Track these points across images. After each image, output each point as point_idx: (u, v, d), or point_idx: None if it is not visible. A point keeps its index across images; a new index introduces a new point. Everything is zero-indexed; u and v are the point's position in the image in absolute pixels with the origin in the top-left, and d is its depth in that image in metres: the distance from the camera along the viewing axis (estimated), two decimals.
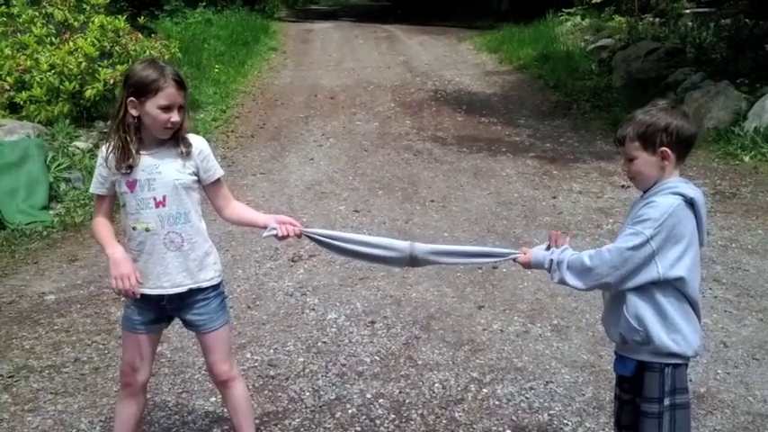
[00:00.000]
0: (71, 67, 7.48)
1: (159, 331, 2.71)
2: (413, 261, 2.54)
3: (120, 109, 2.44)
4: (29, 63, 7.53)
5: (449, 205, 6.13)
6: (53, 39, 7.96)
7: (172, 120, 2.42)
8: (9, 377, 3.56)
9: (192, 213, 2.53)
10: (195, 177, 2.54)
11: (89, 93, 7.49)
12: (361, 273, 4.79)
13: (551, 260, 2.27)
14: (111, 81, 7.62)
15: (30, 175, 6.06)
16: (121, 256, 2.46)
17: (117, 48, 8.22)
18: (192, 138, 2.56)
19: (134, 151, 2.43)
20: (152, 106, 2.40)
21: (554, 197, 6.26)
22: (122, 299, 2.68)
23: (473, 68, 12.37)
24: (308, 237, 2.67)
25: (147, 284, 2.50)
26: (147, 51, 8.51)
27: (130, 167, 2.44)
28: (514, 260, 2.46)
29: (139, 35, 8.97)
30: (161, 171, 2.47)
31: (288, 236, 2.62)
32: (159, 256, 2.50)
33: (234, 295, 4.46)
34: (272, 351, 3.82)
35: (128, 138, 2.43)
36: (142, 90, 2.39)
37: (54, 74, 7.44)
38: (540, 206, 6.05)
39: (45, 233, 5.62)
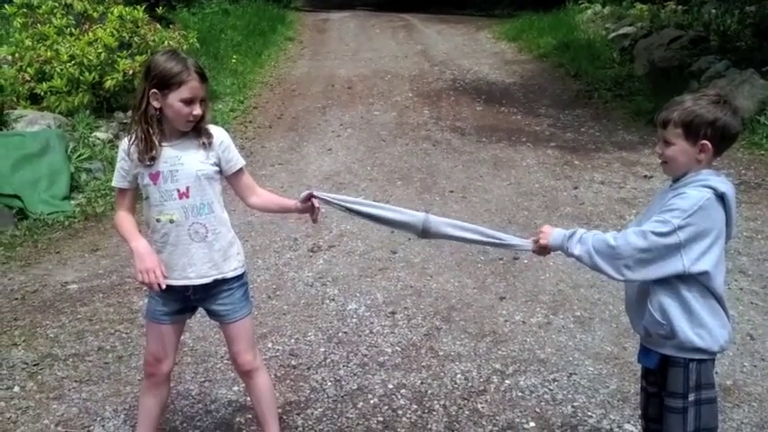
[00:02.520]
0: (91, 57, 7.51)
1: (183, 321, 2.72)
2: (425, 233, 2.52)
3: (142, 101, 2.43)
4: (49, 54, 7.57)
5: (468, 196, 6.08)
6: (73, 30, 7.99)
7: (194, 113, 2.42)
8: (34, 365, 3.59)
9: (216, 204, 2.53)
10: (217, 168, 2.54)
11: (108, 83, 7.52)
12: (381, 263, 4.78)
13: (574, 232, 2.22)
14: (131, 72, 7.64)
15: (51, 165, 6.10)
16: (146, 249, 2.45)
17: (136, 38, 8.24)
18: (212, 128, 2.55)
19: (157, 143, 2.43)
20: (175, 99, 2.39)
21: (575, 187, 6.20)
22: (145, 289, 2.68)
23: (492, 57, 12.26)
24: (321, 199, 2.62)
25: (173, 275, 2.50)
26: (166, 42, 8.51)
27: (153, 159, 2.43)
28: (533, 251, 2.38)
29: (158, 26, 8.98)
30: (183, 162, 2.47)
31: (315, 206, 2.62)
32: (184, 248, 2.49)
33: (254, 285, 4.46)
34: (293, 341, 3.82)
35: (150, 129, 2.42)
36: (165, 83, 2.38)
37: (74, 65, 7.47)
38: (562, 196, 5.99)
39: (67, 223, 5.66)
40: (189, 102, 2.40)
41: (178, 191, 2.46)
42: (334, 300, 4.29)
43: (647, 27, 11.35)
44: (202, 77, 2.44)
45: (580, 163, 6.90)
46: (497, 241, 2.49)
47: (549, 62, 11.44)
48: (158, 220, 2.49)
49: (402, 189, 6.29)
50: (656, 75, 9.18)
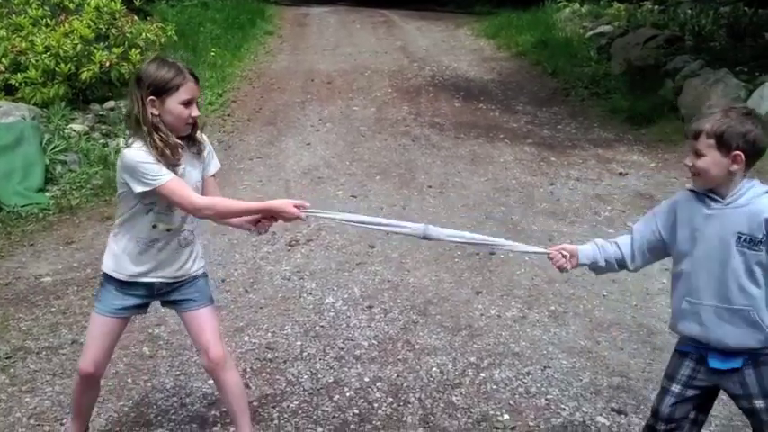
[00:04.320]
0: (66, 49, 7.42)
1: (130, 319, 2.76)
2: (426, 237, 2.60)
3: (140, 111, 2.41)
4: (24, 45, 7.47)
5: (446, 191, 6.12)
6: (48, 20, 7.89)
7: (193, 114, 2.45)
8: (6, 358, 3.55)
9: None
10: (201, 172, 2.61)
11: (85, 75, 7.44)
12: (359, 258, 4.79)
13: None
14: (107, 63, 7.58)
15: (25, 157, 6.03)
16: (273, 202, 2.58)
17: (113, 30, 8.15)
18: (198, 136, 2.59)
19: (166, 146, 2.40)
20: (174, 103, 2.41)
21: (552, 184, 6.25)
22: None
23: (471, 54, 12.30)
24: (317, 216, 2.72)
25: (147, 274, 2.55)
26: (144, 34, 8.45)
27: (176, 160, 2.45)
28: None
29: (135, 18, 8.90)
30: (186, 174, 2.51)
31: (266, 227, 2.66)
32: (171, 252, 2.56)
33: (231, 279, 4.45)
34: (269, 334, 3.82)
35: (162, 133, 2.41)
36: (163, 88, 2.39)
37: (49, 56, 7.38)
38: (538, 193, 6.05)
39: (41, 215, 5.60)
40: (187, 103, 2.43)
41: None
42: (311, 293, 4.30)
43: (624, 26, 11.47)
44: (196, 78, 2.48)
45: (556, 160, 6.96)
46: (509, 246, 2.65)
47: (528, 60, 11.50)
48: (154, 227, 2.51)
49: (380, 184, 6.31)
50: (632, 73, 9.28)
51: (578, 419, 3.09)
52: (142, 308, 2.70)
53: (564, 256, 2.46)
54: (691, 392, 2.34)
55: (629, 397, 3.24)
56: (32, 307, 4.14)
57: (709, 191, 2.22)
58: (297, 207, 2.54)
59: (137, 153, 2.41)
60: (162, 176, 2.39)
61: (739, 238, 2.15)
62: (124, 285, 2.56)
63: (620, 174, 6.46)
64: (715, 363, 2.28)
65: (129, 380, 3.40)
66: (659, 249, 2.37)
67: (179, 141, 2.45)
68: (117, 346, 3.60)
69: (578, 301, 4.14)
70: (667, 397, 2.38)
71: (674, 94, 8.08)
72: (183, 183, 2.46)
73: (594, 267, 2.47)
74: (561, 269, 2.50)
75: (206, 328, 2.64)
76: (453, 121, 8.37)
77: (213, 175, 2.67)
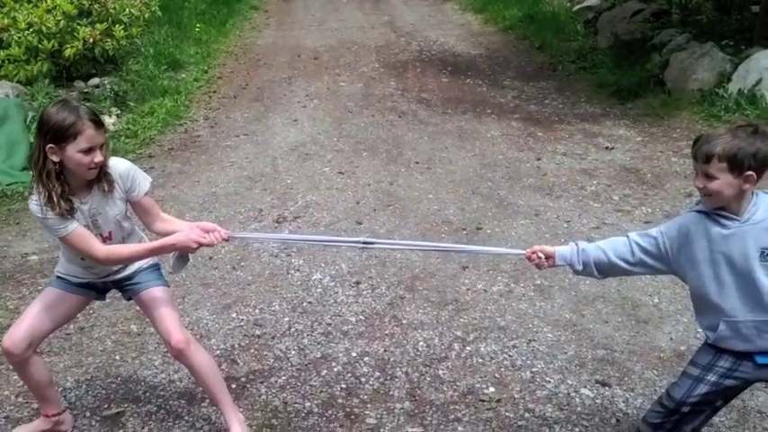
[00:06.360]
0: (49, 25, 7.33)
1: (81, 303, 2.76)
2: (366, 245, 2.69)
3: (39, 158, 2.38)
4: (6, 22, 7.37)
5: (433, 167, 6.12)
6: None
7: (95, 160, 2.39)
8: None
9: (132, 229, 2.68)
10: (126, 200, 2.61)
11: (68, 52, 7.36)
12: (346, 234, 4.79)
13: None
14: (91, 40, 7.49)
15: (9, 135, 5.98)
16: (176, 236, 2.53)
17: (96, 6, 8.04)
18: (112, 165, 2.53)
19: (58, 198, 2.37)
20: (73, 150, 2.35)
21: (538, 159, 6.27)
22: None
23: (458, 29, 12.23)
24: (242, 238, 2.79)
25: (86, 276, 2.66)
26: (127, 9, 8.34)
27: (68, 211, 2.41)
28: None
29: None
30: (101, 212, 2.52)
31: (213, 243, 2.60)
32: (106, 270, 2.64)
33: (218, 256, 4.45)
34: (257, 311, 3.84)
35: (51, 185, 2.37)
36: (61, 136, 2.33)
37: (32, 32, 7.29)
38: (525, 168, 6.06)
39: (26, 194, 5.55)
40: (88, 151, 2.36)
41: (101, 236, 2.54)
42: (299, 270, 4.31)
43: (611, 0, 11.42)
44: (98, 124, 2.40)
45: (543, 134, 6.97)
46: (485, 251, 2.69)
47: (515, 34, 11.46)
48: (83, 259, 2.57)
49: (368, 160, 6.30)
50: (618, 47, 9.26)
51: (563, 392, 3.14)
52: (99, 294, 2.78)
53: (540, 258, 2.51)
54: (729, 383, 2.35)
55: (614, 369, 3.29)
56: (19, 285, 4.14)
57: (720, 209, 2.22)
58: (208, 231, 2.55)
59: (35, 208, 2.41)
60: (63, 228, 2.42)
61: (763, 252, 2.17)
62: (76, 284, 2.67)
63: (607, 148, 6.48)
64: (763, 359, 2.31)
65: (117, 357, 3.42)
66: (660, 267, 2.38)
67: (68, 201, 2.41)
68: (105, 324, 3.68)
69: (564, 275, 4.17)
70: (701, 385, 2.36)
71: (660, 68, 8.08)
72: (84, 234, 2.45)
73: (573, 270, 2.50)
74: (539, 268, 2.57)
75: (164, 314, 2.62)
76: (440, 97, 8.35)
77: (141, 200, 2.62)
